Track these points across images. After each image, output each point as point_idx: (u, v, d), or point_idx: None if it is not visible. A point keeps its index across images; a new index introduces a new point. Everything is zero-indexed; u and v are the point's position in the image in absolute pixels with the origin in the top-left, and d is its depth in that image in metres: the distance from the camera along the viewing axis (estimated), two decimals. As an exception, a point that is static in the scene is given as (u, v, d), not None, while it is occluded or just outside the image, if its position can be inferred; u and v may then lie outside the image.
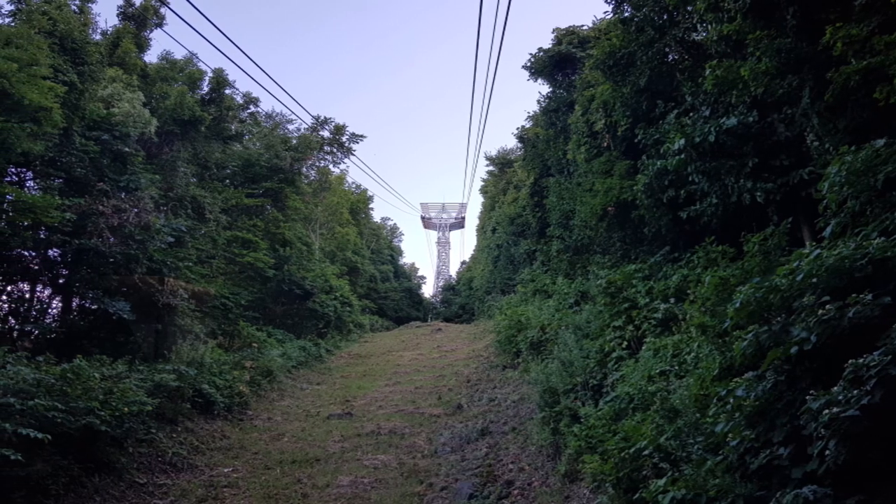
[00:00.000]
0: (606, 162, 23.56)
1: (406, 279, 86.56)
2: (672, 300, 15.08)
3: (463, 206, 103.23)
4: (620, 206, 21.00)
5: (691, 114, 17.24)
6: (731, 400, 7.54)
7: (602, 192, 21.79)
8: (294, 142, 41.69)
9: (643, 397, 11.31)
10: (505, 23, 54.19)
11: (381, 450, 17.45)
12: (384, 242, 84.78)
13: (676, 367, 11.80)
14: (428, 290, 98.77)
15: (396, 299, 71.79)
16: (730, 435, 7.38)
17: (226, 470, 15.68)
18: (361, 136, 49.29)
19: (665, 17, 19.07)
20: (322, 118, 47.13)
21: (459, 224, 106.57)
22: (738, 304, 8.07)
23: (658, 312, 15.00)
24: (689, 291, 13.77)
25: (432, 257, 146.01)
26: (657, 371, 12.09)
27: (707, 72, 14.61)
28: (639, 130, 20.28)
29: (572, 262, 27.58)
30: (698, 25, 17.72)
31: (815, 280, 7.34)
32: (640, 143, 20.26)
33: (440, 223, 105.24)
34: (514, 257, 47.42)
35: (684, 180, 16.71)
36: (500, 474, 14.58)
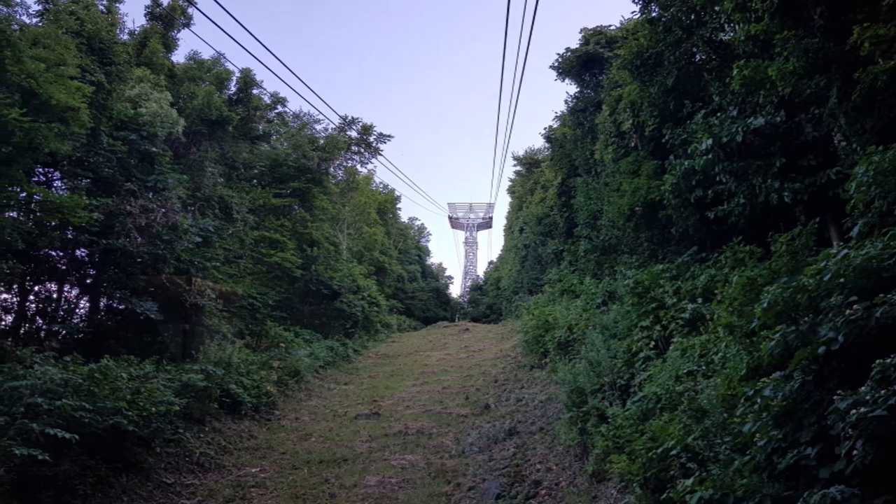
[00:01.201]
0: (634, 162, 23.50)
1: (433, 279, 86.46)
2: (699, 300, 15.10)
3: (490, 206, 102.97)
4: (648, 206, 20.97)
5: (719, 114, 17.17)
6: (759, 400, 7.56)
7: (629, 192, 21.75)
8: (321, 142, 41.80)
9: (670, 397, 11.34)
10: (532, 22, 54.11)
11: (408, 450, 17.55)
12: (411, 242, 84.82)
13: (704, 367, 11.83)
14: (455, 290, 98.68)
15: (424, 299, 71.85)
16: (757, 435, 7.40)
17: (253, 470, 15.82)
18: (389, 135, 49.57)
19: (692, 17, 19.03)
20: (349, 118, 47.36)
21: (487, 224, 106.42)
22: (765, 305, 8.08)
23: (685, 312, 15.02)
24: (716, 291, 13.72)
25: (459, 257, 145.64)
26: (684, 371, 12.12)
27: (734, 72, 14.57)
28: (666, 130, 20.26)
29: (600, 262, 27.50)
30: (726, 25, 17.63)
31: (842, 280, 7.35)
32: (667, 143, 20.24)
33: (468, 223, 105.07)
34: (541, 257, 47.30)
35: (712, 180, 16.69)
36: (528, 474, 14.61)
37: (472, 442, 17.82)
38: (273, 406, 21.57)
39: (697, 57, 19.84)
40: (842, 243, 9.80)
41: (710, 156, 16.25)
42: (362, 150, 49.60)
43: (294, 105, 60.24)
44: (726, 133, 15.68)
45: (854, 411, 5.93)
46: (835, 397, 6.33)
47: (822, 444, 6.57)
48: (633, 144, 24.25)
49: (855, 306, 6.82)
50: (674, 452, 9.03)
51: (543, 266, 45.87)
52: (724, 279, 14.28)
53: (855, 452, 5.93)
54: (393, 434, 19.12)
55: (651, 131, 21.88)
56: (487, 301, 73.36)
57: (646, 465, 9.46)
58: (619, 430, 11.86)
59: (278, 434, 19.30)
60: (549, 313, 27.05)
